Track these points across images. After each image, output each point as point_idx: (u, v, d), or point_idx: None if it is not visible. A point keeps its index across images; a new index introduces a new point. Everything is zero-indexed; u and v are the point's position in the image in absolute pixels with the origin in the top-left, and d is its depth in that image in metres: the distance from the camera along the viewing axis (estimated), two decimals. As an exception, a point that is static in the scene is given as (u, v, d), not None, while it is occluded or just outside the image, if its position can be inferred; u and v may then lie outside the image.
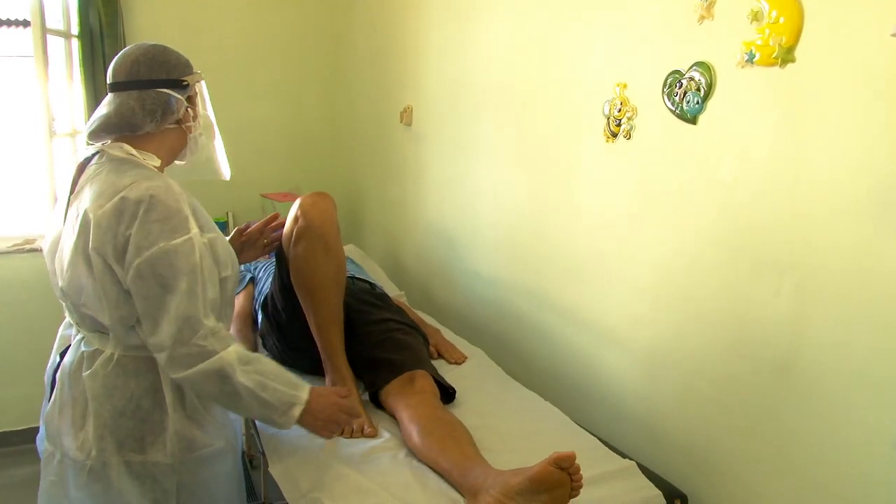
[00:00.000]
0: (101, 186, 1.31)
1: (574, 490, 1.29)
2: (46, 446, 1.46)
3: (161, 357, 1.30)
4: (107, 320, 1.34)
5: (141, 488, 1.40)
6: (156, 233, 1.26)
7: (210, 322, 1.30)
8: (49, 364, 1.54)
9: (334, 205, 1.80)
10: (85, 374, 1.38)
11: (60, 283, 1.38)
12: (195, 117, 1.46)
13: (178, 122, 1.42)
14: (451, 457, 1.45)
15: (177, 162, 1.51)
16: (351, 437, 1.60)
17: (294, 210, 1.77)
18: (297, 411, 1.37)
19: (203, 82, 1.51)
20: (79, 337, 1.43)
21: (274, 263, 1.98)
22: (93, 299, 1.33)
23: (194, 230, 1.31)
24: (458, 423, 1.58)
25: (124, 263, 1.28)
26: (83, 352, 1.40)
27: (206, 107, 1.53)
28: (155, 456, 1.39)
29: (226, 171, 1.62)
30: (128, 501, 1.40)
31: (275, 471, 1.53)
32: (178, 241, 1.28)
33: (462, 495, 1.39)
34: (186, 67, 1.43)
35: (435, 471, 1.47)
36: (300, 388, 1.39)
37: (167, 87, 1.38)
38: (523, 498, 1.28)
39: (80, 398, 1.40)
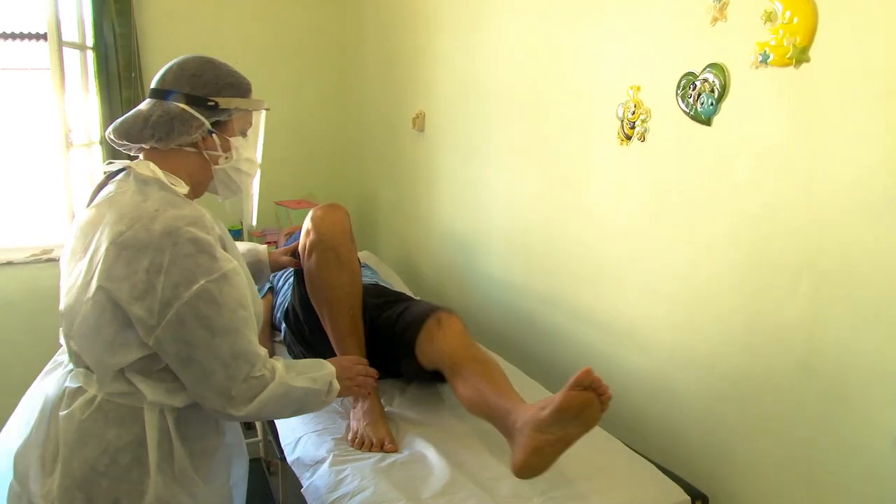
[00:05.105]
0: (123, 209, 1.16)
1: (603, 403, 1.29)
2: (13, 484, 1.23)
3: (216, 403, 1.18)
4: (91, 360, 1.18)
5: None
6: (192, 269, 1.12)
7: (262, 351, 1.21)
8: (34, 384, 1.32)
9: (347, 215, 1.75)
10: (62, 413, 1.19)
11: (61, 305, 1.22)
12: (226, 148, 1.26)
13: (195, 145, 1.23)
14: (490, 403, 1.49)
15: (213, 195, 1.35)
16: (371, 451, 1.59)
17: (306, 223, 1.76)
18: (336, 383, 1.34)
19: (263, 114, 1.33)
20: (67, 368, 1.25)
21: (292, 272, 1.98)
22: (85, 333, 1.17)
23: (228, 258, 1.17)
24: (490, 362, 1.62)
25: (146, 306, 1.11)
26: (66, 388, 1.21)
27: (258, 142, 1.36)
28: None
29: (252, 218, 1.49)
30: None
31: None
32: (217, 276, 1.14)
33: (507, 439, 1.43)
34: (225, 88, 1.24)
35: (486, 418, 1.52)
36: (324, 365, 1.37)
37: (184, 103, 1.20)
38: (556, 427, 1.28)
39: (53, 440, 1.20)
